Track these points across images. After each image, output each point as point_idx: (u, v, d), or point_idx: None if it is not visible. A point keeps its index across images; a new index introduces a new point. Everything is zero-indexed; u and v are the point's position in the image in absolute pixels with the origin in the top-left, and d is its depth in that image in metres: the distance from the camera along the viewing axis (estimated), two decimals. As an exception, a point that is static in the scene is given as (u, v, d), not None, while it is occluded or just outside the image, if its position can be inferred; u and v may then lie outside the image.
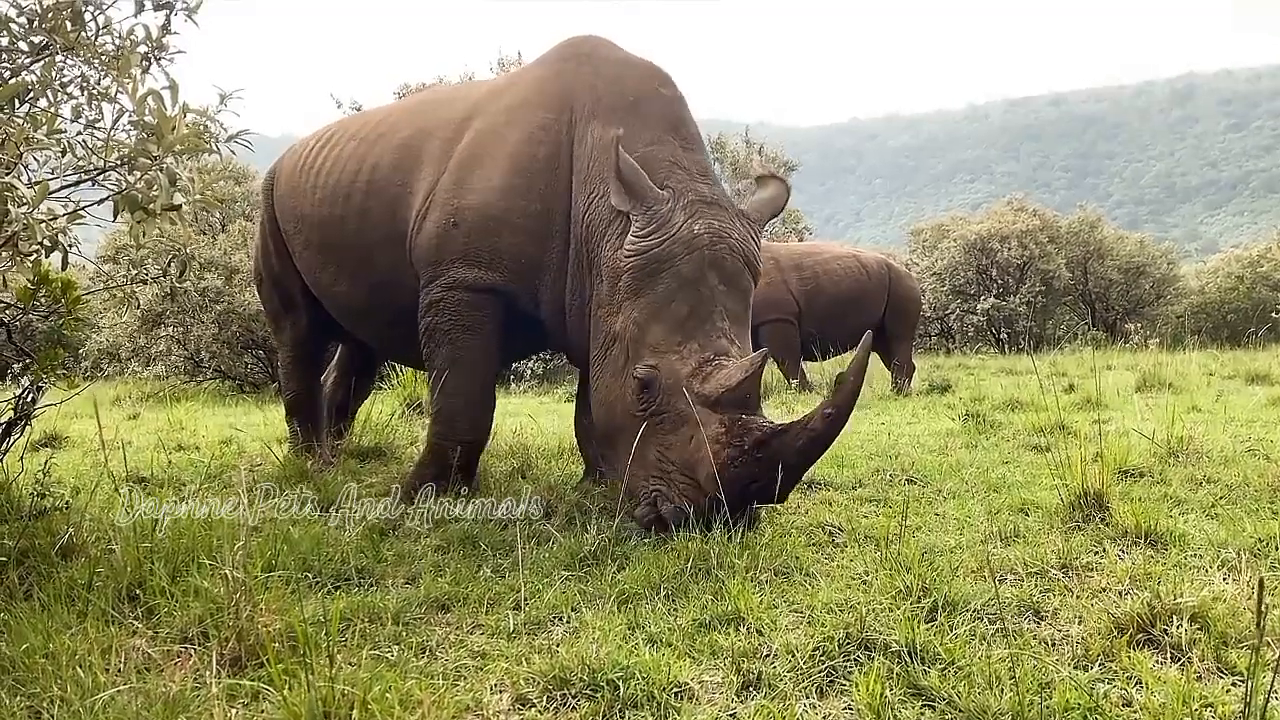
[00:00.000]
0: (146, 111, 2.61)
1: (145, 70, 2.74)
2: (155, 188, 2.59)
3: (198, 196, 2.65)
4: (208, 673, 2.35)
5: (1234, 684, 2.36)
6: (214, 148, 4.18)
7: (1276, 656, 2.40)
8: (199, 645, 2.72)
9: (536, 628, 2.98)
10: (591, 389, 4.45)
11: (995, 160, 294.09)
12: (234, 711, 2.22)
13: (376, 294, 5.43)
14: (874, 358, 12.75)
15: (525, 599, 3.16)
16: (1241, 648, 2.54)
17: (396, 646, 2.81)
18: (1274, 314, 20.40)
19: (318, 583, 3.40)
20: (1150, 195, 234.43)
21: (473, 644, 2.85)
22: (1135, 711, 2.20)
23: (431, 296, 4.81)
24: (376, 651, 2.72)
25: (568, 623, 3.00)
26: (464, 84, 5.73)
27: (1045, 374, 12.37)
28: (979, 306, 22.02)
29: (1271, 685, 2.07)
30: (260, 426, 8.76)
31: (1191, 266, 28.18)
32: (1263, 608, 1.89)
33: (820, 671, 2.48)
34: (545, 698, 2.43)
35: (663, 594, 3.17)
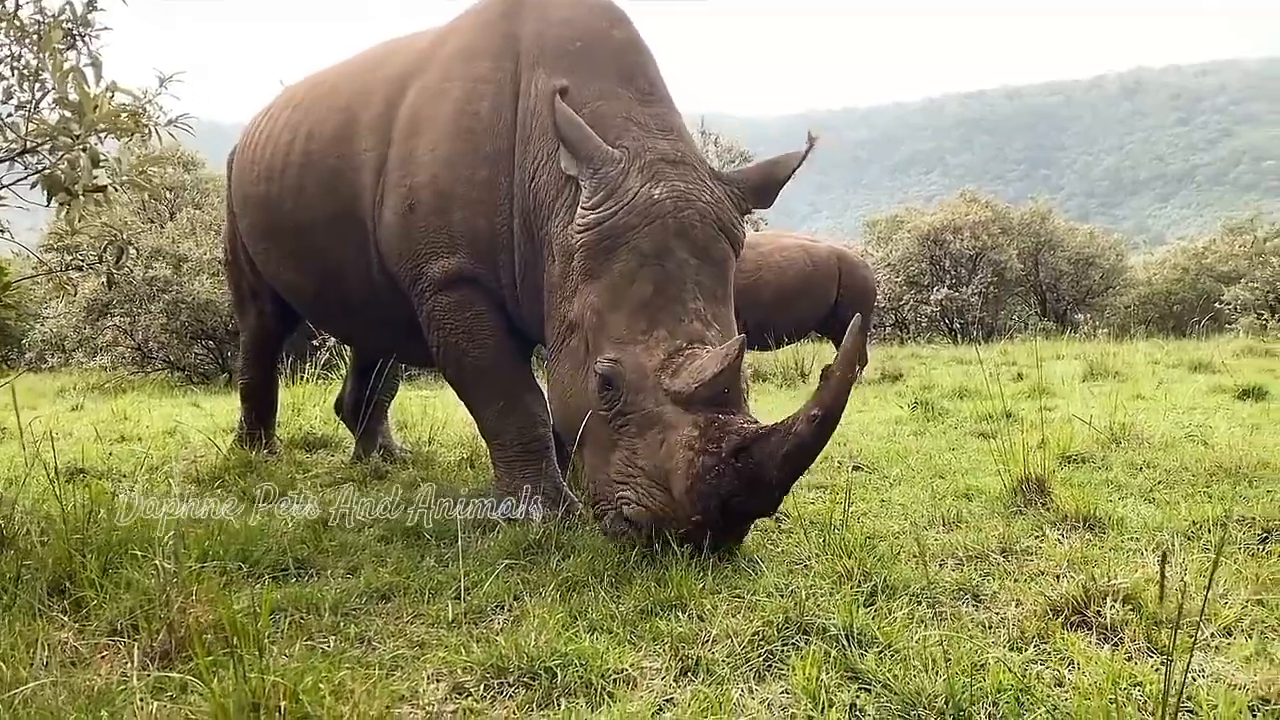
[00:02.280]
0: (69, 89, 2.53)
1: (69, 47, 2.66)
2: (78, 168, 2.52)
3: (125, 178, 2.57)
4: (132, 666, 2.29)
5: (1162, 663, 2.39)
6: (152, 130, 4.07)
7: (1194, 635, 2.44)
8: (128, 638, 2.65)
9: (478, 617, 2.94)
10: (548, 382, 3.95)
11: (950, 152, 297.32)
12: (159, 705, 2.17)
13: (323, 281, 4.89)
14: (828, 348, 12.85)
15: (466, 588, 3.12)
16: (1171, 628, 2.58)
17: (333, 637, 2.77)
18: (1217, 305, 20.85)
19: (255, 574, 3.34)
20: (1101, 188, 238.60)
21: (412, 634, 2.82)
22: (1066, 691, 2.23)
23: (425, 311, 4.25)
24: (311, 642, 2.67)
25: (509, 611, 2.97)
26: (410, 35, 4.91)
27: (995, 363, 12.55)
28: (932, 297, 22.26)
29: (1188, 664, 2.10)
30: (207, 417, 8.61)
31: (1140, 258, 28.72)
32: (1166, 584, 1.92)
33: (759, 656, 2.48)
34: (482, 686, 2.40)
35: (606, 581, 3.15)
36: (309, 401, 7.25)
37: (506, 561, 3.42)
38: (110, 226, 4.39)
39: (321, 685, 2.20)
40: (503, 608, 3.01)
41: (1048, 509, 3.86)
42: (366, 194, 4.40)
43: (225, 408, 9.39)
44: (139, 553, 3.09)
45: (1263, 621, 2.61)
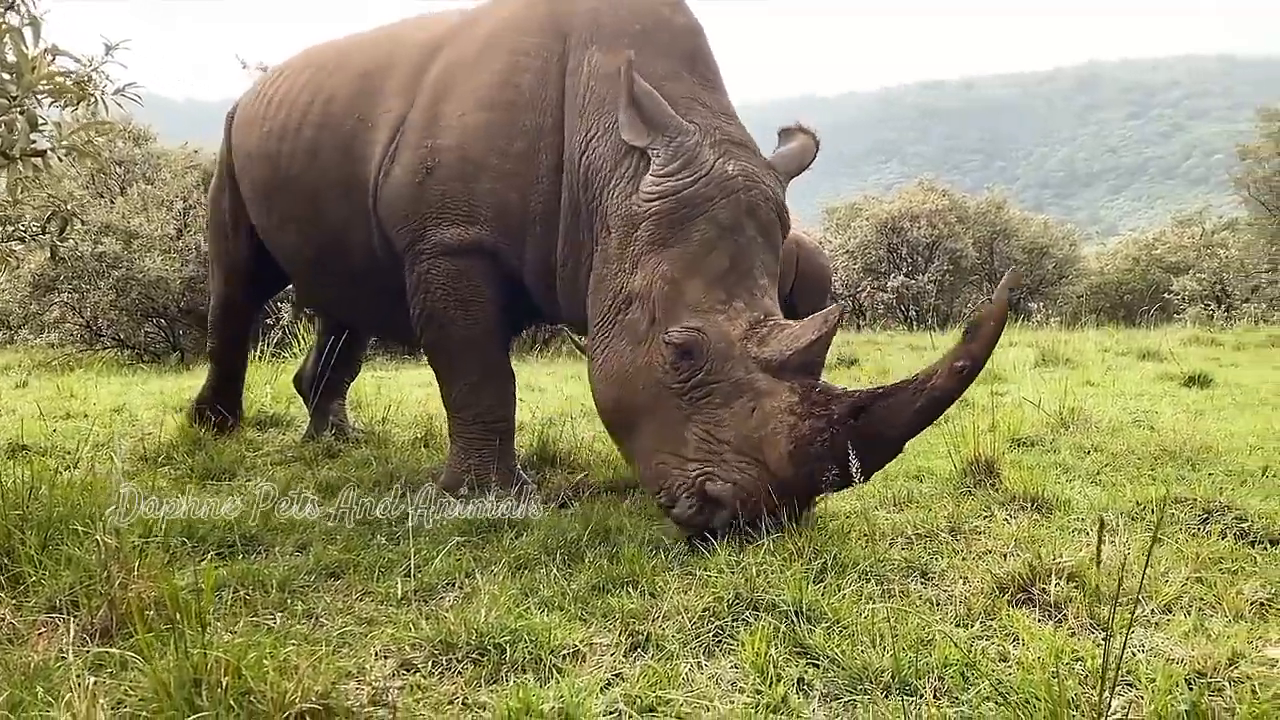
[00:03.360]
0: (6, 50, 2.45)
1: (8, 8, 2.57)
2: (15, 131, 2.44)
3: (65, 142, 2.50)
4: (69, 642, 2.24)
5: (1103, 639, 2.43)
6: (98, 98, 3.96)
7: (1133, 611, 2.48)
8: (68, 615, 2.60)
9: (428, 594, 2.92)
10: (591, 363, 3.72)
11: (909, 142, 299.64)
12: (97, 681, 2.12)
13: (326, 246, 4.71)
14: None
15: (417, 566, 3.10)
16: (1115, 604, 2.62)
17: (280, 614, 2.74)
18: (1165, 295, 21.25)
19: (201, 551, 3.29)
20: (1055, 179, 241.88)
21: (361, 610, 2.79)
22: (1010, 666, 2.26)
23: (418, 272, 4.13)
24: (257, 619, 2.64)
25: (460, 589, 2.95)
26: (437, 13, 4.84)
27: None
28: (889, 284, 22.44)
29: (1125, 639, 2.14)
30: (157, 395, 8.45)
31: (1092, 249, 29.18)
32: (1109, 563, 1.94)
33: (709, 631, 2.49)
34: (430, 662, 2.38)
35: (559, 559, 3.15)
36: (261, 379, 7.14)
37: (459, 539, 3.40)
38: (55, 198, 4.27)
39: (266, 661, 2.17)
40: (454, 585, 3.00)
41: (996, 490, 3.91)
42: (377, 150, 4.31)
43: (175, 386, 9.23)
44: (81, 529, 3.03)
45: (1201, 599, 2.66)
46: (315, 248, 4.80)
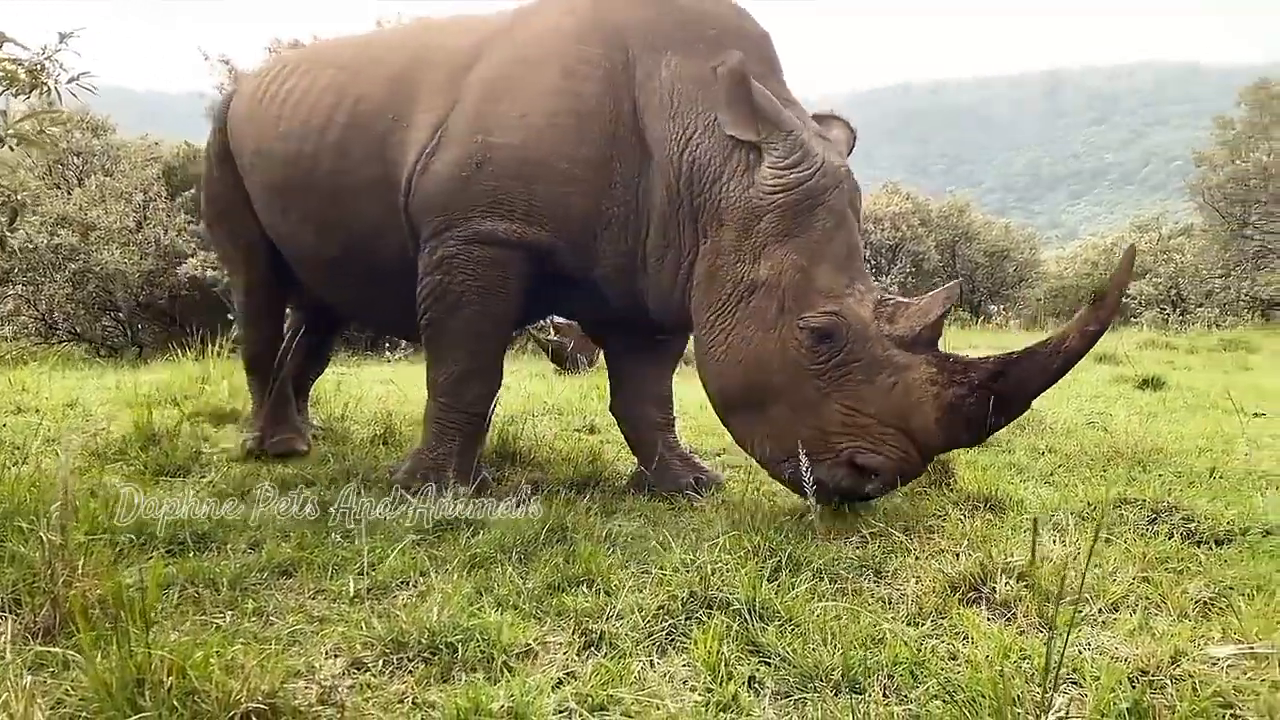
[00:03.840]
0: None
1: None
2: (-42, 119, 2.38)
3: (11, 131, 2.44)
4: (5, 641, 2.20)
5: (1054, 637, 2.46)
6: (50, 87, 3.89)
7: (1073, 610, 2.52)
8: (10, 613, 2.55)
9: (381, 592, 2.90)
10: (707, 350, 3.83)
11: (875, 145, 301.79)
12: (37, 680, 2.08)
13: (352, 246, 4.63)
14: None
15: (371, 564, 3.07)
16: (1062, 603, 2.66)
17: (229, 612, 2.71)
18: (1122, 298, 21.56)
19: (150, 548, 3.24)
20: (1019, 183, 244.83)
21: (312, 609, 2.76)
22: (959, 664, 2.28)
23: (443, 252, 4.08)
24: (205, 617, 2.60)
25: (414, 587, 2.93)
26: (459, 17, 4.81)
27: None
28: (853, 285, 22.58)
29: (1066, 637, 2.17)
30: (112, 390, 8.31)
31: (1053, 252, 29.59)
32: (1057, 562, 1.97)
33: (662, 630, 2.49)
34: (381, 661, 2.36)
35: (514, 558, 3.13)
36: (219, 374, 7.06)
37: (414, 537, 3.38)
38: (5, 187, 4.19)
39: (212, 660, 2.14)
40: (408, 584, 2.98)
41: (951, 489, 3.96)
42: (413, 149, 4.24)
43: (132, 381, 9.08)
44: (26, 525, 2.97)
45: (1147, 598, 2.70)
46: (339, 248, 4.66)
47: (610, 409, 4.77)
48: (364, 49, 4.81)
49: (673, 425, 4.62)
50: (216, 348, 8.32)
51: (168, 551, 3.25)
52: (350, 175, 4.48)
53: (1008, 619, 2.60)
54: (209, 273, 14.82)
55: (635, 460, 4.65)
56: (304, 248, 4.87)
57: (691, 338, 4.08)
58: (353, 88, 4.56)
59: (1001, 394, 3.40)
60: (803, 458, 3.28)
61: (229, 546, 3.34)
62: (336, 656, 2.41)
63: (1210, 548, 3.18)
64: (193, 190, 16.62)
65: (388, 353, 14.18)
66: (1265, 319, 19.46)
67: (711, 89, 3.87)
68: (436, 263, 4.10)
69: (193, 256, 15.42)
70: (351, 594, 2.84)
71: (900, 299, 3.66)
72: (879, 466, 3.45)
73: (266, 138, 4.84)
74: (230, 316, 12.01)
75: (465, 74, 4.24)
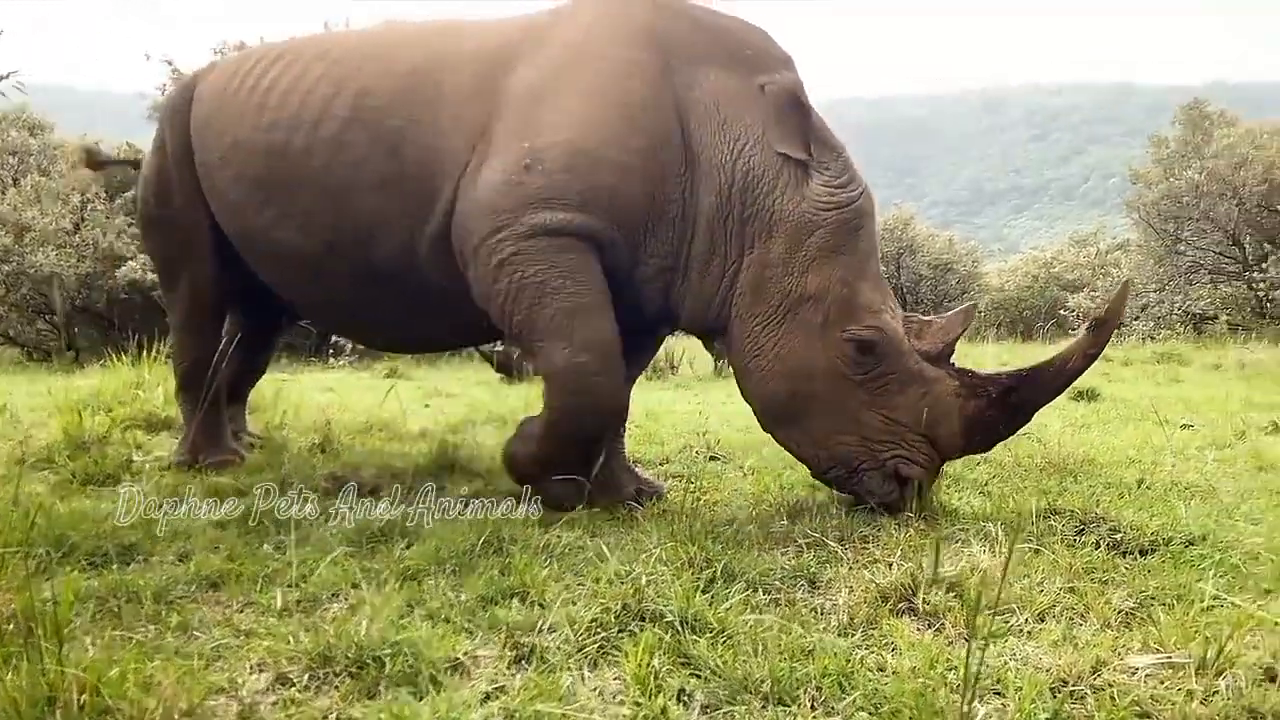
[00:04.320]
0: None
1: None
2: None
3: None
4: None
5: (978, 647, 2.50)
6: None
7: (989, 619, 2.55)
8: (-81, 629, 2.46)
9: (311, 605, 2.85)
10: (752, 359, 3.95)
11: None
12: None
13: (343, 245, 4.45)
14: (696, 342, 13.01)
15: (301, 576, 3.03)
16: (990, 614, 2.70)
17: (152, 626, 2.64)
18: (1062, 311, 22.05)
19: (72, 561, 3.15)
20: (961, 197, 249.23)
21: (239, 623, 2.70)
22: (887, 675, 2.30)
23: (502, 253, 3.92)
24: (126, 632, 2.54)
25: (345, 600, 2.89)
26: (462, 20, 4.73)
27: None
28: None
29: (984, 647, 2.20)
30: (44, 395, 8.09)
31: (994, 265, 30.14)
32: (983, 570, 1.99)
33: (594, 643, 2.47)
34: (307, 676, 2.32)
35: (449, 570, 3.10)
36: (154, 379, 6.90)
37: (347, 549, 3.33)
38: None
39: (128, 676, 2.09)
40: (339, 596, 2.93)
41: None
42: (449, 160, 4.14)
43: (65, 386, 8.85)
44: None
45: (1072, 608, 2.75)
46: (326, 246, 4.50)
47: None
48: (356, 45, 4.66)
49: (623, 437, 4.60)
50: (154, 352, 8.14)
51: (90, 564, 3.16)
52: (351, 170, 4.33)
53: (937, 629, 2.63)
54: (150, 276, 14.51)
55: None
56: (280, 246, 4.66)
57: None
58: (353, 81, 4.42)
59: (1013, 407, 3.79)
60: (846, 461, 3.84)
61: (155, 559, 3.27)
62: (261, 672, 2.36)
63: (1135, 558, 3.25)
64: (133, 191, 16.28)
65: (331, 359, 14.01)
66: (1197, 332, 20.00)
67: (754, 106, 4.05)
68: (498, 267, 3.94)
69: (133, 259, 15.11)
70: (280, 607, 2.78)
71: (922, 317, 3.98)
72: (918, 476, 3.80)
73: (245, 129, 4.65)
74: (169, 319, 11.75)
75: (497, 81, 4.18)
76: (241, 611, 2.82)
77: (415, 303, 4.54)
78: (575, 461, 3.98)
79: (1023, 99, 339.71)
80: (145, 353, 7.88)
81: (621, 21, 4.24)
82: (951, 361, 3.90)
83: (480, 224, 3.98)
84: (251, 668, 2.39)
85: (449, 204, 4.14)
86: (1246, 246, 20.58)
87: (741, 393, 4.15)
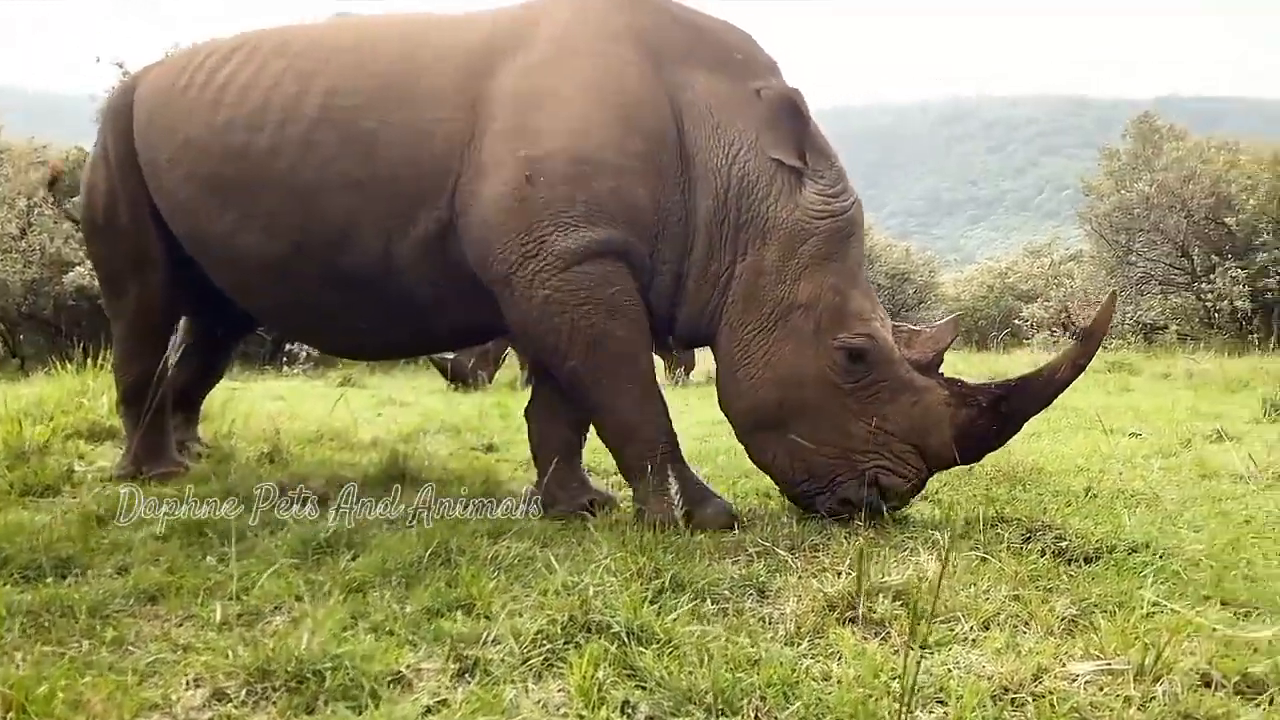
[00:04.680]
0: None
1: None
2: None
3: None
4: None
5: (922, 656, 2.51)
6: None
7: (928, 628, 2.56)
8: None
9: (253, 619, 2.80)
10: (739, 367, 3.91)
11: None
12: None
13: (311, 248, 4.29)
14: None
15: (243, 589, 2.97)
16: (935, 622, 2.71)
17: (87, 641, 2.58)
18: (1016, 321, 22.36)
19: (6, 574, 3.07)
20: (919, 208, 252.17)
21: (177, 637, 2.65)
22: (831, 684, 2.30)
23: (543, 292, 3.83)
24: (59, 648, 2.47)
25: (288, 613, 2.84)
26: (430, 15, 4.55)
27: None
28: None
29: (919, 656, 2.21)
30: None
31: (951, 275, 30.51)
32: (931, 578, 2.00)
33: (539, 655, 2.45)
34: (245, 691, 2.27)
35: (394, 582, 3.06)
36: (99, 387, 6.76)
37: (291, 560, 3.28)
38: None
39: (58, 694, 2.04)
40: (281, 609, 2.88)
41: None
42: (433, 166, 4.03)
43: (12, 395, 8.65)
44: None
45: (1016, 615, 2.77)
46: (293, 248, 4.33)
47: (525, 412, 4.59)
48: (317, 39, 4.47)
49: (581, 448, 4.51)
50: (100, 360, 7.98)
51: (23, 577, 3.08)
52: (320, 171, 4.17)
53: (883, 638, 2.64)
54: (96, 282, 14.25)
55: (531, 482, 4.62)
56: (240, 250, 4.47)
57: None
58: (320, 79, 4.25)
59: (1003, 416, 3.78)
60: (830, 478, 3.80)
61: (92, 572, 3.19)
62: (197, 687, 2.31)
63: (1079, 565, 3.29)
64: (81, 197, 15.98)
65: (285, 367, 13.83)
66: (1147, 341, 20.38)
67: (747, 110, 4.01)
68: (543, 305, 3.86)
69: (80, 265, 14.83)
70: (219, 620, 2.73)
71: (911, 326, 3.99)
72: (898, 487, 3.80)
73: (197, 127, 4.46)
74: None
75: (480, 81, 4.05)
76: (180, 625, 2.76)
77: (385, 309, 4.42)
78: (690, 477, 3.99)
79: (980, 111, 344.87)
80: (91, 360, 7.73)
81: (604, 18, 4.14)
82: (940, 371, 3.89)
83: (502, 248, 3.87)
84: (187, 683, 2.33)
85: (441, 213, 4.04)
86: (1195, 258, 21.01)
87: (721, 401, 4.06)
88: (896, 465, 3.79)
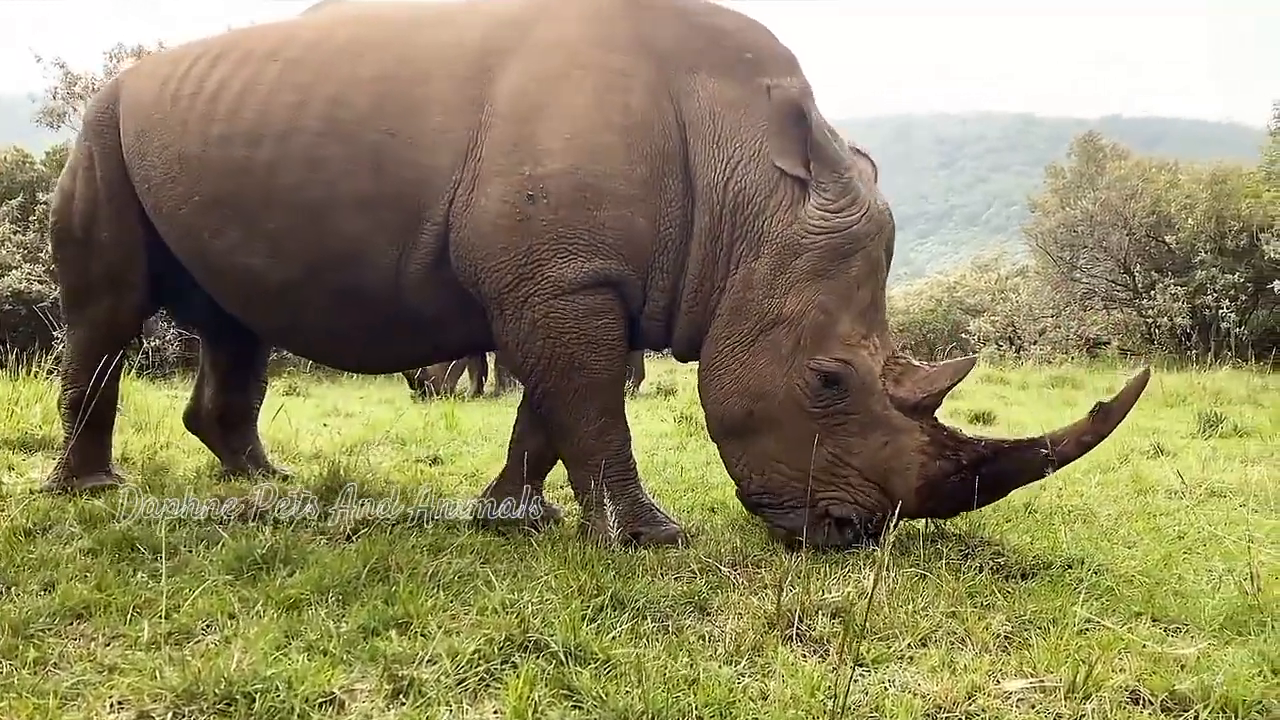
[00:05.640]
0: None
1: None
2: None
3: None
4: None
5: (859, 674, 2.52)
6: None
7: (856, 646, 2.58)
8: None
9: (184, 637, 2.73)
10: (716, 375, 3.82)
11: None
12: None
13: (322, 270, 4.13)
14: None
15: (174, 607, 2.90)
16: (874, 639, 2.73)
17: (8, 662, 2.50)
18: (963, 335, 22.69)
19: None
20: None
21: (104, 657, 2.58)
22: (769, 704, 2.30)
23: (532, 314, 3.77)
24: (-25, 670, 2.39)
25: (220, 631, 2.77)
26: (420, 6, 4.41)
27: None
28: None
29: (851, 675, 2.22)
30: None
31: (901, 288, 30.86)
32: (873, 597, 2.01)
33: (476, 676, 2.42)
34: (171, 714, 2.22)
35: (331, 599, 3.00)
36: (32, 395, 6.58)
37: (226, 577, 3.21)
38: None
39: (-29, 720, 1.97)
40: (214, 627, 2.81)
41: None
42: (437, 177, 3.88)
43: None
44: None
45: (953, 633, 2.80)
46: (298, 270, 4.17)
47: (520, 405, 4.49)
48: (312, 42, 4.25)
49: (553, 462, 4.42)
50: (34, 368, 7.78)
51: (-58, 595, 2.98)
52: (327, 189, 4.00)
53: (821, 656, 2.65)
54: (35, 286, 13.91)
55: (476, 493, 4.58)
56: (242, 272, 4.29)
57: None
58: (321, 87, 4.06)
59: (986, 479, 3.52)
60: (776, 490, 3.68)
61: (17, 589, 3.10)
62: (121, 710, 2.25)
63: (1016, 581, 3.33)
64: (20, 199, 15.62)
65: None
66: (1091, 356, 20.78)
67: (755, 115, 3.84)
68: (531, 328, 3.80)
69: (17, 269, 14.44)
70: (148, 640, 2.66)
71: (912, 361, 3.74)
72: (847, 517, 3.63)
73: (191, 142, 4.24)
74: (57, 334, 11.25)
75: (481, 89, 3.90)
76: (107, 645, 2.69)
77: (398, 326, 4.28)
78: (640, 499, 3.93)
79: (931, 127, 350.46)
80: (25, 368, 7.54)
81: (610, 24, 3.98)
82: (934, 416, 3.67)
83: (494, 267, 3.80)
84: (111, 706, 2.28)
85: (439, 226, 3.92)
86: (1136, 275, 21.47)
87: (702, 404, 3.99)
88: (854, 496, 3.63)
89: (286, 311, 4.43)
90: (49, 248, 13.44)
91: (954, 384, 3.66)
